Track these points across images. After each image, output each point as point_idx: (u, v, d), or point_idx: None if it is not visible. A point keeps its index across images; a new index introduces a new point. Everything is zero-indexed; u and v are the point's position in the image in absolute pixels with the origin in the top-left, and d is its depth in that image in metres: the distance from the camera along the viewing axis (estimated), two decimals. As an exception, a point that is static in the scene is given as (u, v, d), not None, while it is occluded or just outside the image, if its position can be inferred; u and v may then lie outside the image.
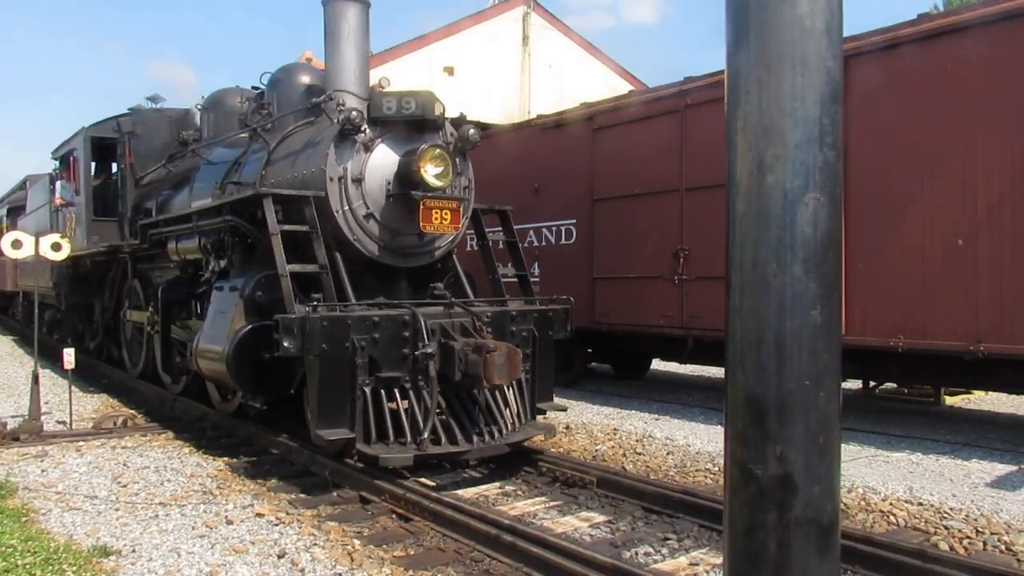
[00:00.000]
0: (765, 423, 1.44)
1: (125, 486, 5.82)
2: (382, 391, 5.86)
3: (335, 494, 5.73)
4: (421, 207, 6.41)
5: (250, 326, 6.25)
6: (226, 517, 5.03)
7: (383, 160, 6.60)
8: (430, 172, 6.37)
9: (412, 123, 6.64)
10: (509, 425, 6.31)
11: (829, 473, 1.44)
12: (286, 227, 6.21)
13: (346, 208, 6.51)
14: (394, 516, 5.26)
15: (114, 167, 11.93)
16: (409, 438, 5.78)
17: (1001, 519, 4.89)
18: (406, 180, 6.50)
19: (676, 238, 8.79)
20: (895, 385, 9.05)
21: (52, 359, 11.58)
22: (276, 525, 4.87)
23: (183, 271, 8.64)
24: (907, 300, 6.84)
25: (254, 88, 8.78)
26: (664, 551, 4.72)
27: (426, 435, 5.73)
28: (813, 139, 1.43)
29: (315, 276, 6.18)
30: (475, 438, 6.00)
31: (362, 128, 6.48)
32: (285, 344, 5.50)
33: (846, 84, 7.08)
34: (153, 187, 10.47)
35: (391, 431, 5.78)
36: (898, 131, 6.93)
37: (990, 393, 9.17)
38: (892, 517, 5.13)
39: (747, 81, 1.45)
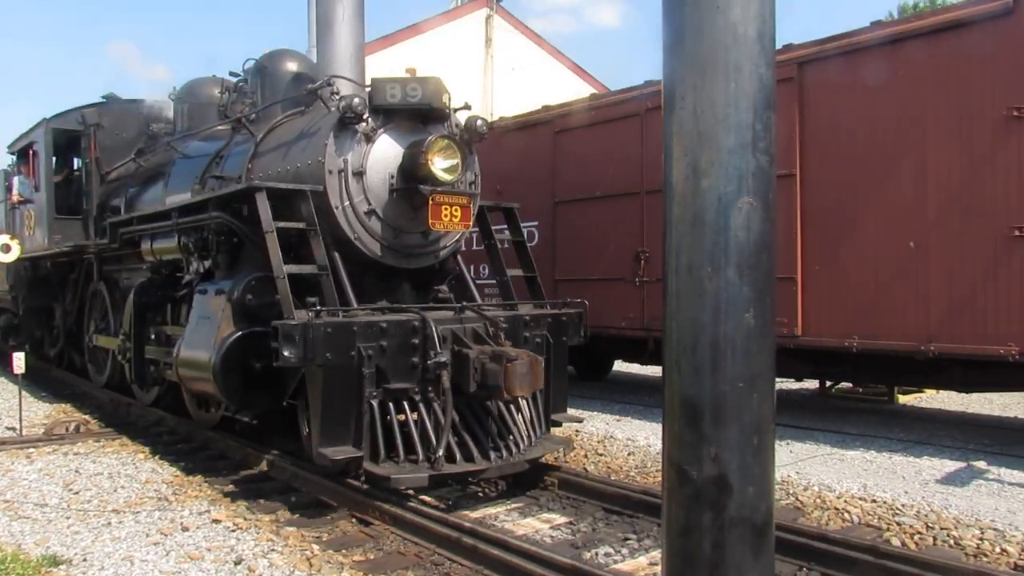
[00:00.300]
0: (700, 425, 1.44)
1: (77, 493, 5.69)
2: (390, 404, 5.39)
3: (294, 499, 5.67)
4: (430, 203, 5.93)
5: (239, 332, 5.78)
6: (181, 523, 4.94)
7: (385, 152, 6.09)
8: (439, 165, 5.91)
9: (416, 113, 6.17)
10: (525, 439, 5.82)
11: (763, 474, 1.45)
12: (282, 224, 5.64)
13: (346, 204, 5.97)
14: (354, 520, 5.22)
15: (77, 162, 11.22)
16: (421, 455, 5.29)
17: (950, 514, 5.01)
18: (411, 174, 6.02)
19: (637, 240, 8.86)
20: (850, 385, 9.24)
21: (3, 364, 11.27)
22: (233, 531, 4.80)
23: (156, 272, 8.06)
24: (861, 301, 6.98)
25: (232, 75, 8.25)
26: (624, 551, 4.75)
27: (441, 452, 5.24)
28: (746, 144, 1.44)
29: (312, 278, 5.68)
30: (492, 454, 5.51)
31: (364, 117, 5.97)
32: (285, 353, 5.01)
33: (800, 89, 7.25)
34: (121, 183, 9.82)
35: (400, 448, 5.33)
36: (853, 135, 7.07)
37: (941, 392, 9.39)
38: (847, 514, 5.22)
39: (682, 87, 1.46)
